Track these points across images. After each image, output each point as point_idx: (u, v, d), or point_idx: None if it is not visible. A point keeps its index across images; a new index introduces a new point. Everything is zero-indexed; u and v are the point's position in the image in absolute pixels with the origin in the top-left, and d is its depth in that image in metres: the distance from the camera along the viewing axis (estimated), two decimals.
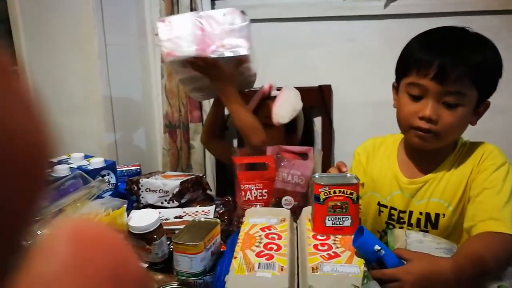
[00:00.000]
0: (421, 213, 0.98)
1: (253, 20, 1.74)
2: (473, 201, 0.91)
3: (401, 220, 1.01)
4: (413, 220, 0.99)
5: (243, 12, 1.22)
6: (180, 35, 1.15)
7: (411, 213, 1.00)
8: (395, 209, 1.02)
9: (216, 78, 1.25)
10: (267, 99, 1.45)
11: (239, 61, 1.25)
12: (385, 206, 1.04)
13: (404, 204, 1.01)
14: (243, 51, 1.19)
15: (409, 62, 0.94)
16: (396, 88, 1.02)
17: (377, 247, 0.73)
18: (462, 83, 0.87)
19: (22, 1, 1.77)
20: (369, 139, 1.16)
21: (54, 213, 0.70)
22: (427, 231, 0.96)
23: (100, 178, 0.83)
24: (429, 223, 0.98)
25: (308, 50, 1.72)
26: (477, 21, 1.48)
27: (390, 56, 1.60)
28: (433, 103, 0.89)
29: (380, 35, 1.62)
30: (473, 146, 0.99)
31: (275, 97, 1.45)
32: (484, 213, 0.87)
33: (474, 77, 0.87)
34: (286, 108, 1.39)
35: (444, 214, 0.96)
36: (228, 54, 1.17)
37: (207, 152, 1.86)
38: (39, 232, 0.69)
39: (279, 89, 1.48)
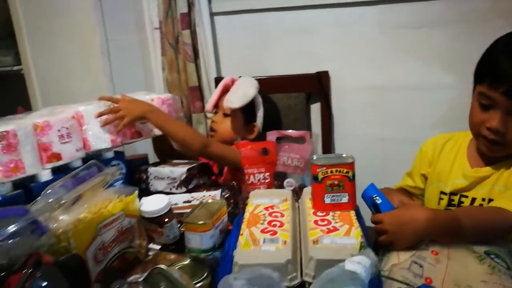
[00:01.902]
0: (483, 199, 0.98)
1: (250, 10, 1.80)
2: None
3: (462, 205, 1.02)
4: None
5: None
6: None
7: (473, 199, 1.00)
8: (455, 194, 1.04)
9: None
10: (228, 92, 1.46)
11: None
12: (445, 194, 1.06)
13: (466, 190, 1.02)
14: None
15: (485, 71, 0.95)
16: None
17: (375, 195, 0.89)
18: None
19: (24, 1, 1.82)
20: (439, 135, 1.17)
21: (72, 200, 0.76)
22: None
23: (113, 166, 0.89)
24: None
25: (305, 37, 1.76)
26: (468, 3, 1.51)
27: (385, 41, 1.66)
28: (502, 115, 0.91)
29: (375, 21, 1.66)
30: None
31: None
32: (508, 194, 0.92)
33: None
34: (237, 93, 1.41)
35: None
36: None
37: None
38: (63, 218, 0.76)
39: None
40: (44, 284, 0.50)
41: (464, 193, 1.02)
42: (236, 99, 1.38)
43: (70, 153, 1.11)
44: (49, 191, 0.71)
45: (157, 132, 1.28)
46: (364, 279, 0.55)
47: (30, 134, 1.03)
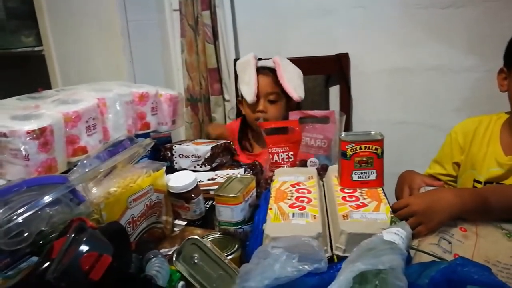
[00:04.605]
0: None
1: None
2: None
3: None
4: None
5: None
6: None
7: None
8: (490, 183, 1.03)
9: None
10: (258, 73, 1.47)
11: None
12: (480, 182, 1.05)
13: (503, 179, 1.01)
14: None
15: None
16: (505, 72, 1.04)
17: None
18: None
19: None
20: (467, 119, 1.16)
21: (106, 171, 0.77)
22: None
23: (146, 138, 0.90)
24: None
25: (325, 19, 1.75)
26: None
27: (407, 22, 1.64)
28: None
29: (396, 2, 1.64)
30: None
31: (265, 68, 1.47)
32: None
33: None
34: (297, 82, 1.43)
35: None
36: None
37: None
38: (94, 190, 0.77)
39: (259, 59, 1.51)
40: (90, 247, 0.51)
41: (501, 182, 1.01)
42: (301, 87, 1.42)
43: (94, 145, 1.00)
44: (85, 161, 0.72)
45: (164, 128, 1.28)
46: (402, 249, 0.55)
47: (62, 128, 0.93)
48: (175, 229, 0.97)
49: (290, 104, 1.49)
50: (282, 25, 1.81)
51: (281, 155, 1.13)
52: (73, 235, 0.54)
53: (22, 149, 0.80)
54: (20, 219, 0.57)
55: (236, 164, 1.25)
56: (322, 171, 1.09)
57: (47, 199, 0.60)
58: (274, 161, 1.13)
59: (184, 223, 0.99)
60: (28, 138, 0.81)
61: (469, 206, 0.81)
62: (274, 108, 1.45)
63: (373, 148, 0.87)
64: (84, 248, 0.52)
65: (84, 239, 0.52)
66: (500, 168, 1.02)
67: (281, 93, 1.44)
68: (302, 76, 1.48)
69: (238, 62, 1.55)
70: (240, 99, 1.56)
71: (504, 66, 1.05)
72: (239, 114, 1.73)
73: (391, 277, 0.49)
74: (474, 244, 0.78)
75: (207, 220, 0.99)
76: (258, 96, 1.44)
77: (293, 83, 1.42)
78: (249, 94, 1.43)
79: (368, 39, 1.71)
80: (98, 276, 0.49)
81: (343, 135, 0.91)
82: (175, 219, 1.00)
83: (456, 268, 0.55)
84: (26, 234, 0.58)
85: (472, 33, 1.54)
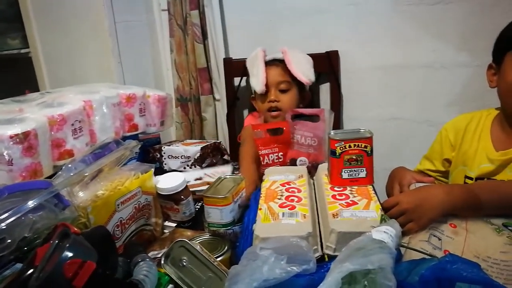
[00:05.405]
0: None
1: None
2: None
3: None
4: None
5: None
6: None
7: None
8: (481, 179, 1.02)
9: None
10: (267, 66, 1.47)
11: None
12: (471, 178, 1.04)
13: (494, 174, 1.01)
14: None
15: None
16: (494, 68, 1.03)
17: None
18: None
19: None
20: (459, 116, 1.15)
21: (92, 175, 0.75)
22: None
23: (132, 141, 0.89)
24: None
25: (315, 16, 1.73)
26: None
27: (397, 19, 1.63)
28: None
29: None
30: None
31: (274, 60, 1.48)
32: None
33: None
34: (306, 66, 1.44)
35: None
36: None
37: (219, 123, 1.91)
38: (81, 194, 0.76)
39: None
40: (74, 254, 0.50)
41: (492, 178, 1.01)
42: (311, 71, 1.45)
43: (81, 148, 1.00)
44: (70, 165, 0.71)
45: (153, 129, 1.26)
46: (392, 247, 0.55)
47: (47, 131, 0.92)
48: (165, 231, 0.97)
49: (304, 94, 1.49)
50: (272, 23, 1.80)
51: (271, 156, 1.12)
52: (56, 242, 0.53)
53: (5, 153, 0.79)
54: (2, 226, 0.56)
55: (227, 165, 1.24)
56: (312, 170, 1.09)
57: (30, 204, 0.59)
58: (265, 163, 1.12)
59: (174, 224, 0.98)
60: (12, 142, 0.80)
61: (460, 203, 0.81)
62: (286, 97, 1.43)
63: (363, 146, 0.87)
64: (67, 254, 0.50)
65: (67, 245, 0.51)
66: (491, 164, 1.01)
67: (292, 82, 1.44)
68: (311, 62, 1.50)
69: (247, 59, 1.57)
70: (253, 96, 1.55)
71: (493, 62, 1.04)
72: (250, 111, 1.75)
73: (380, 277, 0.49)
74: (464, 240, 0.78)
75: (197, 221, 0.98)
76: (268, 87, 1.43)
77: (302, 67, 1.43)
78: (258, 84, 1.42)
79: (359, 37, 1.70)
80: (82, 283, 0.48)
81: (332, 133, 0.91)
82: (165, 221, 0.99)
83: (446, 265, 0.55)
84: (8, 241, 0.56)
85: (462, 28, 1.53)
